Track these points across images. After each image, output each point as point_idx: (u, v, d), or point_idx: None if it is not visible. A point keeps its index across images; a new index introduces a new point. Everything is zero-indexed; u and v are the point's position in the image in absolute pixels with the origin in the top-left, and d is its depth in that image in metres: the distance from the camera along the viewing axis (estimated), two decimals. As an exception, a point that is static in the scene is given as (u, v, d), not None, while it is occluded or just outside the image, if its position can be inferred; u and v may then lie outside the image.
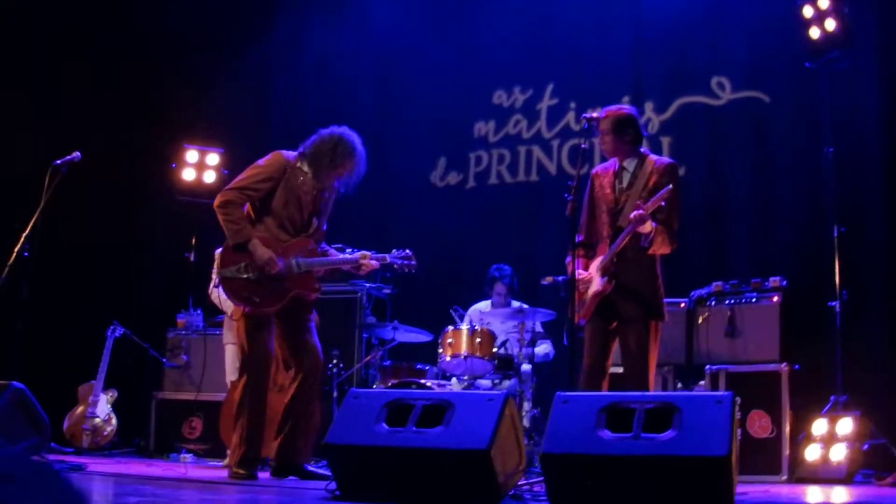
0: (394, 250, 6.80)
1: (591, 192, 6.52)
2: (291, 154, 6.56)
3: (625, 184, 6.37)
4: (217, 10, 11.53)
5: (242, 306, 6.33)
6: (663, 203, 6.03)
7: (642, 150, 6.47)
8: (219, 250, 6.47)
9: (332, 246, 6.97)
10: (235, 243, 6.29)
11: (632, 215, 6.01)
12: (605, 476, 4.25)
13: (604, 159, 6.74)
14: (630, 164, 6.40)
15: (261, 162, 6.52)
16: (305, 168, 6.50)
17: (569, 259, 6.21)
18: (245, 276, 6.28)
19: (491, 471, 4.41)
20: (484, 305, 9.09)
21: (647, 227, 6.04)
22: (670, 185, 6.02)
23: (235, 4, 11.72)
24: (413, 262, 6.76)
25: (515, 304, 8.79)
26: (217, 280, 6.51)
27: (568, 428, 4.39)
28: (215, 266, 6.63)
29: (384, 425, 4.67)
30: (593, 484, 4.27)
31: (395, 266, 6.78)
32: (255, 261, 6.25)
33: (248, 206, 6.42)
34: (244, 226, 6.31)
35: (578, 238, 6.40)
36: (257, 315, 6.35)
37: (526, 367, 8.34)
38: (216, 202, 6.36)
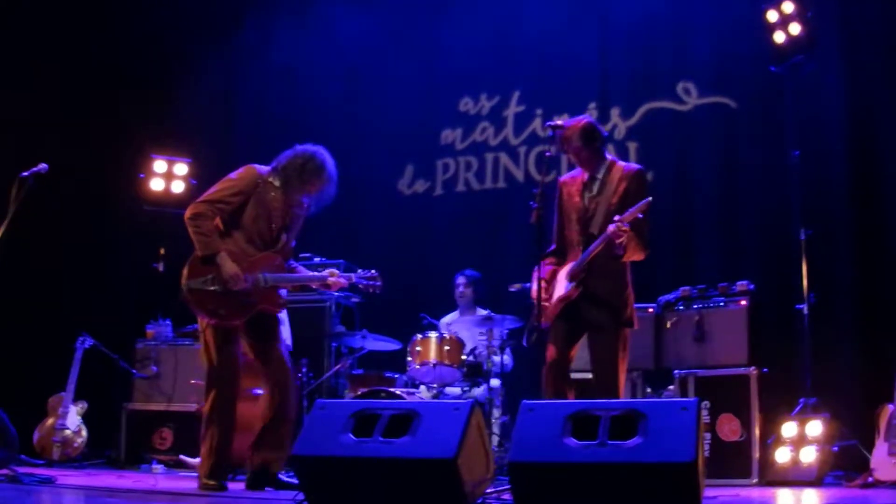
0: (359, 270, 6.81)
1: (559, 201, 6.50)
2: (265, 168, 6.53)
3: (594, 191, 6.34)
4: (183, 19, 11.50)
5: (208, 318, 6.31)
6: (640, 215, 5.99)
7: (609, 156, 6.45)
8: None
9: (300, 255, 6.95)
10: (204, 255, 6.27)
11: (609, 228, 5.95)
12: (571, 484, 4.25)
13: (571, 166, 6.72)
14: (599, 172, 6.37)
15: (233, 175, 6.49)
16: (277, 183, 6.48)
17: (535, 270, 6.17)
18: (211, 288, 6.25)
19: (458, 480, 4.40)
20: (451, 317, 9.11)
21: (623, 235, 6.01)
22: (649, 198, 5.97)
23: (201, 14, 11.67)
24: (378, 283, 6.75)
25: (482, 311, 8.76)
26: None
27: (534, 436, 4.39)
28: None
29: (350, 435, 4.65)
30: (560, 492, 4.27)
31: (360, 286, 6.77)
32: (222, 275, 6.24)
33: (218, 219, 6.40)
34: (213, 238, 6.28)
35: (551, 247, 6.39)
36: (223, 327, 6.34)
37: (495, 381, 8.35)
38: (187, 214, 6.32)
